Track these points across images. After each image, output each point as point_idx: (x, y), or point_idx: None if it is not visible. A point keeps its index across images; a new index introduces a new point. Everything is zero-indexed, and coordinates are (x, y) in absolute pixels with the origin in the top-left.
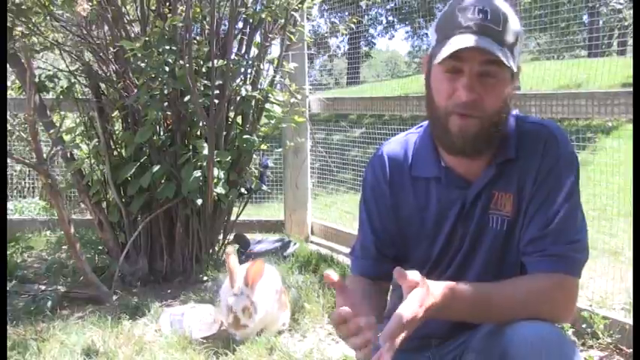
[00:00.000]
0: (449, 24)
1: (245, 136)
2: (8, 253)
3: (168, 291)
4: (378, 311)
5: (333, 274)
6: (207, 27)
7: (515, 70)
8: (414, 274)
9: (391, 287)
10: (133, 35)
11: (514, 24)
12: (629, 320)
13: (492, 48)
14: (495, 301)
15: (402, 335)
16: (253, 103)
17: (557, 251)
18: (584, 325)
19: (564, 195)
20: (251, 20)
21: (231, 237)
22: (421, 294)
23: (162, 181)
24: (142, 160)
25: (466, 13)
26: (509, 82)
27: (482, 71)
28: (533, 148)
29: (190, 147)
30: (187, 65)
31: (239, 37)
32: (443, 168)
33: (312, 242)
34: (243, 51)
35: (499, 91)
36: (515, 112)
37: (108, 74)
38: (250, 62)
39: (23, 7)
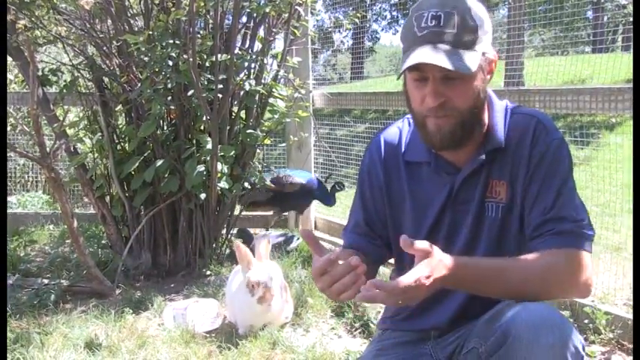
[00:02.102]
0: (408, 35)
1: (249, 131)
2: (12, 247)
3: (172, 285)
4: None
5: (312, 236)
6: (210, 21)
7: (472, 70)
8: (423, 244)
9: (392, 269)
10: (136, 29)
11: (472, 18)
12: (631, 316)
13: (443, 60)
14: (509, 275)
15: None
16: (257, 97)
17: (566, 229)
18: (586, 321)
19: (560, 180)
20: (255, 14)
21: (234, 231)
22: (433, 264)
23: (166, 175)
24: (145, 155)
25: (421, 21)
26: (477, 74)
27: (444, 75)
28: (522, 137)
29: (194, 141)
30: (191, 59)
31: (243, 31)
32: (432, 154)
33: None
34: (247, 45)
35: (466, 89)
36: (505, 102)
37: (111, 68)
38: (254, 57)
39: (26, 0)
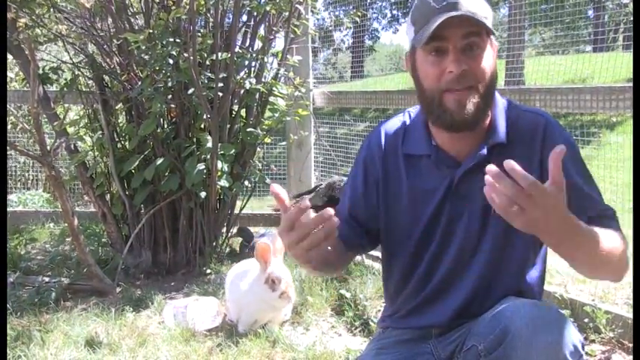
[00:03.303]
0: (423, 12)
1: (249, 129)
2: (12, 245)
3: (172, 283)
4: (335, 254)
5: (279, 190)
6: (211, 20)
7: (495, 35)
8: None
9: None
10: (136, 27)
11: (482, 1)
12: (631, 315)
13: (471, 15)
14: (605, 246)
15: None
16: (257, 96)
17: (607, 211)
18: (586, 320)
19: (584, 169)
20: (255, 13)
21: (234, 230)
22: (561, 197)
23: (166, 173)
24: (145, 153)
25: None
26: (492, 52)
27: (465, 45)
28: (531, 134)
29: (194, 140)
30: (191, 58)
31: (243, 30)
32: (433, 147)
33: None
34: (247, 44)
35: (485, 60)
36: (505, 99)
37: (112, 66)
38: (254, 55)
39: None
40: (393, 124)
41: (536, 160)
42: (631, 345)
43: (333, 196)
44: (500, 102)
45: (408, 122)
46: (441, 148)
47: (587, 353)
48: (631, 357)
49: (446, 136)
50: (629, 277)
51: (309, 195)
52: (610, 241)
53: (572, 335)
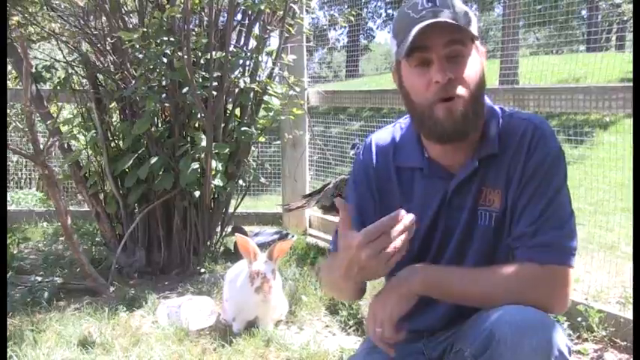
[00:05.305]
0: (403, 23)
1: (243, 128)
2: None
3: (166, 283)
4: None
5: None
6: (205, 18)
7: (477, 38)
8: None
9: None
10: (131, 26)
11: (463, 6)
12: (623, 314)
13: (450, 20)
14: (482, 282)
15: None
16: (252, 95)
17: (547, 240)
18: (579, 319)
19: (553, 191)
20: (250, 12)
21: (229, 229)
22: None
23: (160, 172)
24: (139, 152)
25: (416, 7)
26: (478, 57)
27: (448, 53)
28: (519, 144)
29: (188, 139)
30: (186, 57)
31: (238, 28)
32: (426, 159)
33: (310, 235)
34: (241, 43)
35: (470, 67)
36: (500, 106)
37: (105, 65)
38: (249, 54)
39: None
40: (384, 136)
41: (520, 169)
42: (623, 343)
43: (341, 195)
44: (493, 109)
45: (399, 135)
46: (434, 161)
47: (579, 352)
48: (623, 355)
49: (439, 148)
50: (621, 275)
51: (317, 195)
52: (495, 275)
53: (559, 339)
